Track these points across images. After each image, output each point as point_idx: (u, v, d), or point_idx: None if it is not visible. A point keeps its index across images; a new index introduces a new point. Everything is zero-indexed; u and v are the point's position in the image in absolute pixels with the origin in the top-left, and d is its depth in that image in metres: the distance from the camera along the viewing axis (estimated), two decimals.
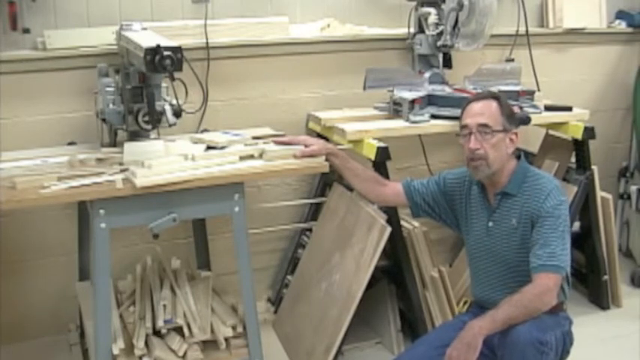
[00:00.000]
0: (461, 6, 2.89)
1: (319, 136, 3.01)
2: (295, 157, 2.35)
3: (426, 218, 2.47)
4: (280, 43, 2.98)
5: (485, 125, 2.14)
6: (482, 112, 2.16)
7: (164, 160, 2.25)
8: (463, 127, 2.20)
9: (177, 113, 2.40)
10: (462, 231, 2.35)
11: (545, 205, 2.10)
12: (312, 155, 2.37)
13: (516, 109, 2.65)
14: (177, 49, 2.06)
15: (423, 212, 2.41)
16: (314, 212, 3.13)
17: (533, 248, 2.08)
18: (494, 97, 2.22)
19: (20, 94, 2.67)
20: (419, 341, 2.31)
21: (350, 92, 3.10)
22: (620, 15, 3.70)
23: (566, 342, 2.13)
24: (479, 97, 2.24)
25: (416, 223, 2.86)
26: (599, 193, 3.15)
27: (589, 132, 2.95)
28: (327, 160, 2.39)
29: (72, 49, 2.67)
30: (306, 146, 2.38)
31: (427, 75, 3.05)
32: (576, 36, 3.57)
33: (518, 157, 2.25)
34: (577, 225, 3.12)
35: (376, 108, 3.02)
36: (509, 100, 2.46)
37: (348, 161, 2.46)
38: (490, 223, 2.22)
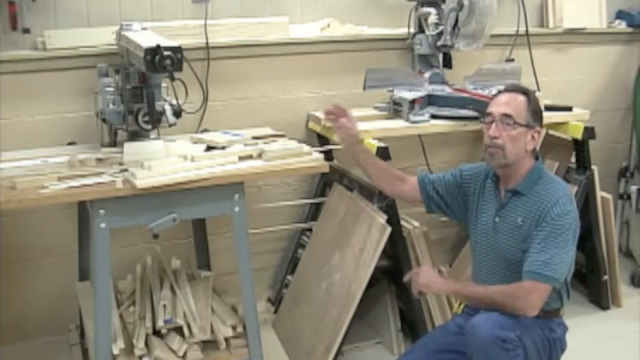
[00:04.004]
0: (461, 6, 2.88)
1: (319, 135, 3.02)
2: (327, 115, 2.40)
3: (438, 213, 2.45)
4: (280, 43, 2.98)
5: (508, 116, 2.14)
6: (509, 103, 2.17)
7: (164, 160, 2.25)
8: (487, 114, 2.20)
9: (177, 113, 2.40)
10: (470, 224, 2.34)
11: (551, 211, 2.09)
12: (344, 131, 2.39)
13: None
14: (177, 49, 2.06)
15: (435, 206, 2.40)
16: (314, 212, 3.13)
17: (530, 250, 2.08)
18: (524, 91, 2.22)
19: (20, 94, 2.67)
20: (415, 346, 2.32)
21: (350, 92, 3.09)
22: (620, 15, 3.70)
23: (556, 348, 2.14)
24: (509, 89, 2.25)
25: (416, 223, 2.87)
26: (599, 193, 3.15)
27: (589, 132, 2.94)
28: (349, 151, 2.41)
29: (72, 49, 2.67)
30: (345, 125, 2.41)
31: (427, 75, 3.05)
32: (576, 36, 3.57)
33: (537, 158, 2.24)
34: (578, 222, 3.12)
35: (376, 108, 3.02)
36: None
37: (371, 156, 2.47)
38: (497, 219, 2.22)
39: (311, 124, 3.06)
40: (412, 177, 2.46)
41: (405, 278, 2.28)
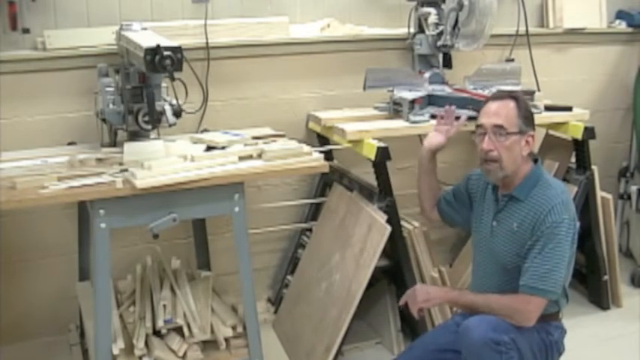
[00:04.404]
0: (461, 6, 2.89)
1: (319, 135, 3.02)
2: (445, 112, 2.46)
3: (460, 226, 2.48)
4: (280, 43, 2.98)
5: (500, 126, 2.10)
6: (499, 112, 2.12)
7: (164, 160, 2.25)
8: (478, 126, 2.17)
9: (177, 113, 2.40)
10: (473, 225, 2.34)
11: (546, 219, 2.06)
12: (439, 138, 2.42)
13: None
14: (177, 49, 2.06)
15: (451, 219, 2.44)
16: (314, 212, 3.13)
17: (527, 262, 2.07)
18: (513, 97, 2.17)
19: (20, 94, 2.67)
20: (414, 344, 2.32)
21: (350, 92, 3.09)
22: (620, 15, 3.70)
23: (552, 351, 2.14)
24: (497, 97, 2.20)
25: (416, 223, 2.87)
26: (599, 193, 3.15)
27: (589, 132, 2.94)
28: (424, 154, 2.42)
29: (72, 49, 2.67)
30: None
31: (427, 75, 3.05)
32: (576, 36, 3.57)
33: (536, 161, 2.21)
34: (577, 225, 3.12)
35: (376, 108, 3.02)
36: None
37: (433, 174, 2.45)
38: (494, 223, 2.21)
39: (311, 124, 3.06)
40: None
41: (401, 302, 2.28)
